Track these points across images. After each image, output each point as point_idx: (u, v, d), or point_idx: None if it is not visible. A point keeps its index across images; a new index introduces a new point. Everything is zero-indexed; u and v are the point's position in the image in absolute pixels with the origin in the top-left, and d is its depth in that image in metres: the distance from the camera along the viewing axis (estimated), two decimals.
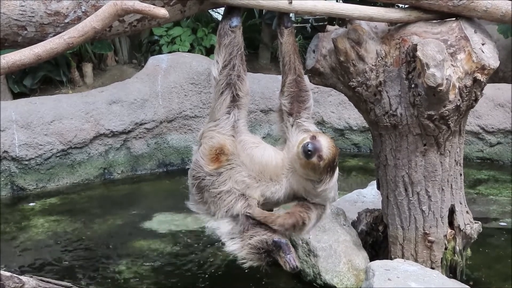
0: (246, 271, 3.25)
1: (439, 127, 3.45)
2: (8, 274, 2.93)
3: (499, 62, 3.40)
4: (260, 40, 10.26)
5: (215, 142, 3.17)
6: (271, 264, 3.18)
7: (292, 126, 3.36)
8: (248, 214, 3.13)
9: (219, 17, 3.43)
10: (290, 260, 3.04)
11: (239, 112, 3.25)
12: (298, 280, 4.01)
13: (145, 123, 7.07)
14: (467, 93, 3.37)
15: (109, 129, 6.82)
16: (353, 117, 7.51)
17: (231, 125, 3.22)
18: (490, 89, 6.68)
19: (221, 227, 3.17)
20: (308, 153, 3.03)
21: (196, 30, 9.67)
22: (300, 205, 3.26)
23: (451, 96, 3.31)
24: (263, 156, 3.20)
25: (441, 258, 3.74)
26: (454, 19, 3.43)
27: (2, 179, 6.32)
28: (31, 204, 6.08)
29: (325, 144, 3.08)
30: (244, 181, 3.15)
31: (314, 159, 3.04)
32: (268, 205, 3.38)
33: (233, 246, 3.13)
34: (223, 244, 3.19)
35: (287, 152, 3.28)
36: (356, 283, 3.81)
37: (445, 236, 3.72)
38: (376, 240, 4.10)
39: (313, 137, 3.09)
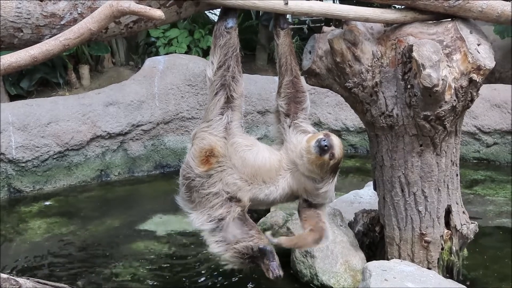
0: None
1: (435, 128, 3.45)
2: (5, 276, 2.92)
3: (494, 62, 3.40)
4: (257, 42, 10.27)
5: (205, 144, 3.14)
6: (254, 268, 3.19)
7: (289, 127, 3.36)
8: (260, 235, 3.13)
9: (216, 19, 3.42)
10: (274, 268, 3.04)
11: (232, 114, 3.21)
12: (295, 281, 4.00)
13: (142, 125, 7.07)
14: (463, 94, 3.37)
15: (106, 131, 6.82)
16: (350, 118, 7.52)
17: (223, 127, 3.18)
18: (486, 90, 6.70)
19: (205, 229, 3.17)
20: (324, 148, 3.07)
21: (193, 32, 9.68)
22: (311, 216, 3.30)
23: (447, 97, 3.31)
24: (255, 159, 3.18)
25: (438, 258, 3.74)
26: (449, 19, 3.43)
27: None
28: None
29: (338, 144, 3.14)
30: (235, 183, 3.14)
31: (327, 156, 3.08)
32: (262, 206, 3.39)
33: (217, 249, 3.14)
34: (207, 245, 3.20)
35: (286, 152, 3.29)
36: (353, 283, 3.81)
37: (442, 236, 3.73)
38: (373, 240, 4.10)
39: (327, 135, 3.14)
